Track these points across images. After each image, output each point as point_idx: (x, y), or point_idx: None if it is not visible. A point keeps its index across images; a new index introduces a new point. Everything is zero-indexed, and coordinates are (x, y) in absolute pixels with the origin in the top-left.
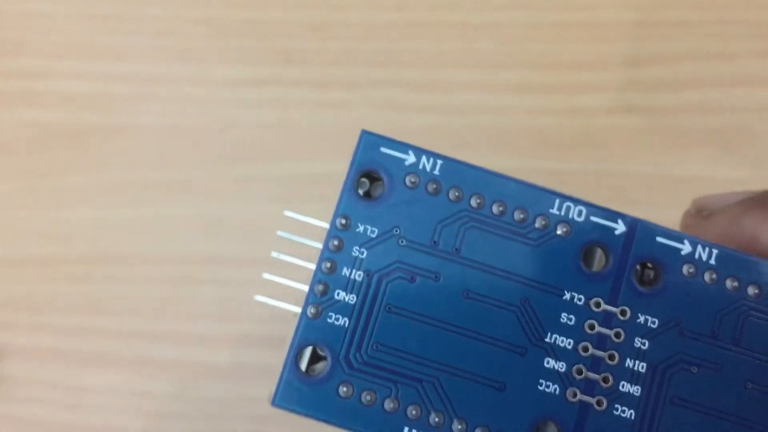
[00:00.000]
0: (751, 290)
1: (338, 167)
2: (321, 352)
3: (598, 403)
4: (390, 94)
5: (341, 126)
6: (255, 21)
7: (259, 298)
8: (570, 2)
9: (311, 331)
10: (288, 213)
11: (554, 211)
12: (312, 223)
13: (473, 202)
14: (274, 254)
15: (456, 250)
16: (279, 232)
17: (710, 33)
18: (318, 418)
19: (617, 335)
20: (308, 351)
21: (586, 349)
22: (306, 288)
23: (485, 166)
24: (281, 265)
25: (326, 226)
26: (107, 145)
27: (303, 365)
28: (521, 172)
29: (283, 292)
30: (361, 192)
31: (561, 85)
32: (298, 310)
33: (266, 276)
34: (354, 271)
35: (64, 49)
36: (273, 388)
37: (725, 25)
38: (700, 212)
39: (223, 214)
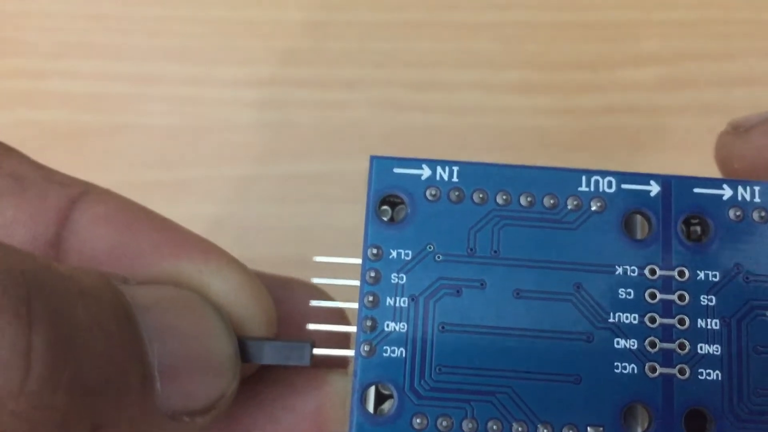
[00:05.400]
0: None
1: (338, 167)
2: (384, 390)
3: (681, 371)
4: (390, 94)
5: (341, 126)
6: (255, 21)
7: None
8: (570, 2)
9: (370, 369)
10: (317, 258)
11: (583, 188)
12: (344, 263)
13: (500, 200)
14: (314, 303)
15: (495, 252)
16: (314, 279)
17: (710, 33)
18: None
19: (681, 298)
20: (372, 391)
21: (653, 320)
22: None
23: None
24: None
25: (359, 261)
26: (107, 145)
27: (370, 407)
28: None
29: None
30: (385, 219)
31: (561, 85)
32: (352, 353)
33: (311, 326)
34: (398, 298)
35: (64, 49)
36: None
37: (725, 25)
38: (737, 129)
39: (223, 214)
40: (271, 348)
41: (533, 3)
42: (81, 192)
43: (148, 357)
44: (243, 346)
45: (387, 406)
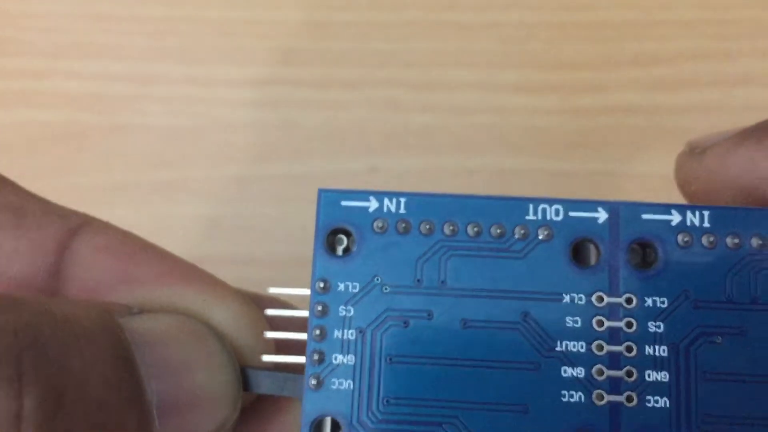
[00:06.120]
0: (755, 242)
1: (338, 167)
2: (338, 420)
3: (628, 399)
4: (390, 94)
5: (341, 126)
6: (255, 21)
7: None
8: (570, 2)
9: (318, 402)
10: (272, 290)
11: (530, 216)
12: (297, 294)
13: (446, 230)
14: (269, 334)
15: (442, 282)
16: (267, 311)
17: (710, 33)
18: None
19: (629, 325)
20: (328, 422)
21: (600, 348)
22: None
23: (485, 166)
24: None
25: (309, 293)
26: (107, 145)
27: None
28: (521, 172)
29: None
30: (340, 248)
31: (561, 85)
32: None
33: (266, 357)
34: (345, 331)
35: (64, 49)
36: None
37: (725, 25)
38: (693, 150)
39: (223, 214)
40: (267, 378)
41: (533, 3)
42: (80, 223)
43: (146, 396)
44: (243, 375)
45: None
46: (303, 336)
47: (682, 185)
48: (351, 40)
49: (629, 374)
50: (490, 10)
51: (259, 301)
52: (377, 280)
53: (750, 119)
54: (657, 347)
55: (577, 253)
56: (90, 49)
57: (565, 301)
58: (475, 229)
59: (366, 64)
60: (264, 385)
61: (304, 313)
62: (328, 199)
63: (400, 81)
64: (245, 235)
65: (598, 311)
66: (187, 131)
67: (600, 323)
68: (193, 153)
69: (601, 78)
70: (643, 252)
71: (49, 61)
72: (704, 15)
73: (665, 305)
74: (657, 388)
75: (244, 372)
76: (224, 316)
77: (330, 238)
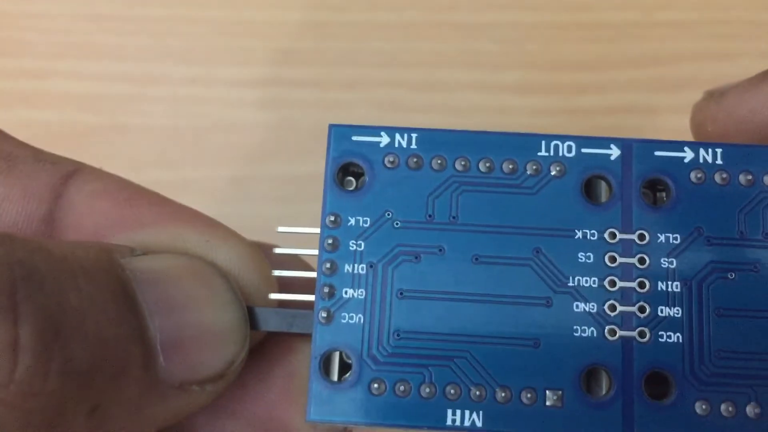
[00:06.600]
0: None
1: None
2: (347, 359)
3: (641, 334)
4: (390, 94)
5: None
6: (255, 21)
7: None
8: (570, 2)
9: (328, 335)
10: (281, 229)
11: (543, 153)
12: (306, 232)
13: (458, 166)
14: (276, 272)
15: (453, 218)
16: (276, 250)
17: (710, 33)
18: (357, 423)
19: (641, 261)
20: (336, 359)
21: (613, 284)
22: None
23: None
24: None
25: (318, 231)
26: (107, 145)
27: (335, 375)
28: None
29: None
30: (350, 190)
31: (561, 85)
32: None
33: (273, 296)
34: (356, 265)
35: (64, 49)
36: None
37: (725, 25)
38: (712, 95)
39: (223, 214)
40: (275, 316)
41: (533, 3)
42: (73, 170)
43: (149, 332)
44: (250, 314)
45: (350, 374)
46: (310, 274)
47: (698, 128)
48: (351, 40)
49: (642, 310)
50: (490, 11)
51: (261, 248)
52: (388, 215)
53: None
54: (670, 283)
55: (590, 190)
56: (90, 49)
57: (577, 237)
58: (487, 164)
59: (366, 64)
60: (272, 322)
61: (313, 251)
62: (339, 133)
63: (400, 81)
64: (245, 235)
65: (610, 247)
66: (188, 131)
67: (612, 259)
68: (193, 153)
69: (601, 78)
70: (654, 195)
71: (49, 61)
72: (704, 15)
73: (678, 241)
74: (670, 323)
75: (251, 311)
76: (228, 256)
77: (339, 176)
